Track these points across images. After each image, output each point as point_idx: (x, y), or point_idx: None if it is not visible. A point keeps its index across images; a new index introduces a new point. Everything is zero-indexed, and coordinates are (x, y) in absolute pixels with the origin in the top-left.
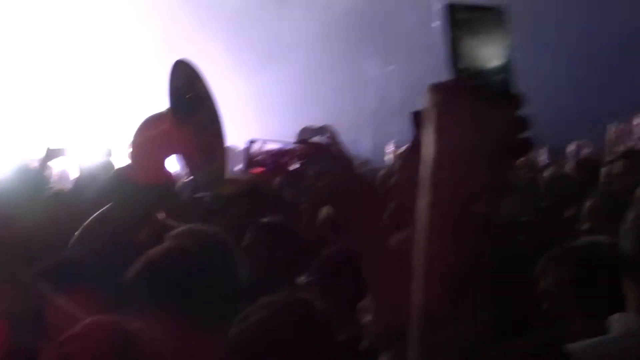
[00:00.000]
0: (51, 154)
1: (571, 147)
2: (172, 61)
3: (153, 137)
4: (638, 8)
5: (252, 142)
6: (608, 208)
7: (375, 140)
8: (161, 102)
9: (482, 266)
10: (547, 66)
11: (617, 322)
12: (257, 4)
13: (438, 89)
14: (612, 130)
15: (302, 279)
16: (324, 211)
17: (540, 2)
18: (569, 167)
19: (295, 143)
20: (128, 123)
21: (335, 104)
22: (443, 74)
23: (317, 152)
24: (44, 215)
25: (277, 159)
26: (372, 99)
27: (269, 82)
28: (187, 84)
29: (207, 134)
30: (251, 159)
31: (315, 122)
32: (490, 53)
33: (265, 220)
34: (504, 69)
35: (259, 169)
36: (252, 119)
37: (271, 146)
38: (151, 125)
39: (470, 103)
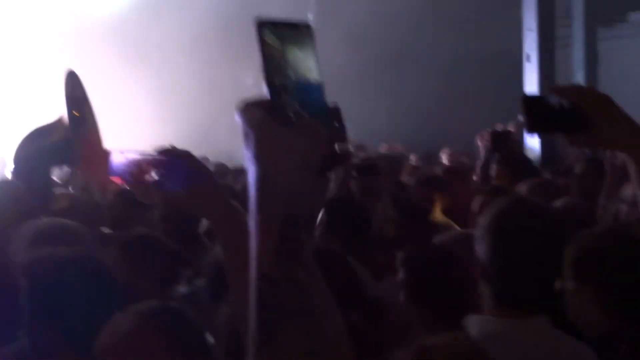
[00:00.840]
0: None
1: (442, 153)
2: (52, 69)
3: (42, 148)
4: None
5: (111, 152)
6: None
7: None
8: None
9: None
10: (420, 81)
11: (473, 325)
12: (133, 10)
13: (251, 108)
14: (481, 137)
15: (181, 289)
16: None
17: (416, 25)
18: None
19: (155, 153)
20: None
21: (212, 111)
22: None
23: (174, 161)
24: None
25: (136, 168)
26: None
27: (143, 89)
28: (75, 93)
29: (91, 142)
30: (110, 169)
31: (192, 128)
32: (301, 68)
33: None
34: (316, 84)
35: (117, 179)
36: (125, 128)
37: (131, 156)
38: (40, 135)
39: (284, 121)
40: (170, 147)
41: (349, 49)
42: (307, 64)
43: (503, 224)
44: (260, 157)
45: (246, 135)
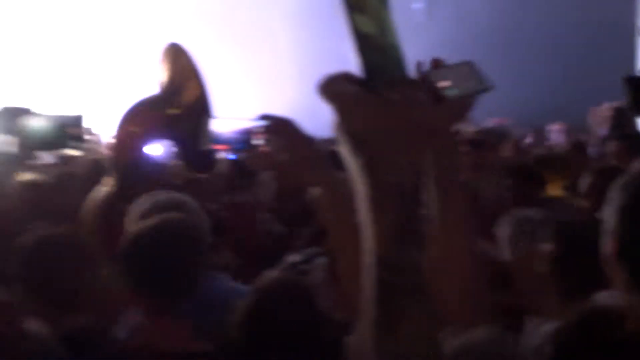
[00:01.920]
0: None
1: (551, 127)
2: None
3: (143, 122)
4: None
5: (216, 119)
6: (605, 185)
7: None
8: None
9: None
10: (529, 56)
11: (605, 300)
12: None
13: (338, 83)
14: (595, 112)
15: (293, 257)
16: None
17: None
18: (559, 148)
19: (259, 119)
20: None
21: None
22: (418, 55)
23: (279, 128)
24: None
25: (243, 136)
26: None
27: (273, 56)
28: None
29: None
30: (217, 136)
31: (298, 100)
32: (391, 29)
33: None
34: (397, 46)
35: (224, 146)
36: (261, 91)
37: (235, 123)
38: (141, 110)
39: (378, 92)
40: (270, 114)
41: (458, 28)
42: (392, 25)
43: None
44: (361, 136)
45: (337, 113)
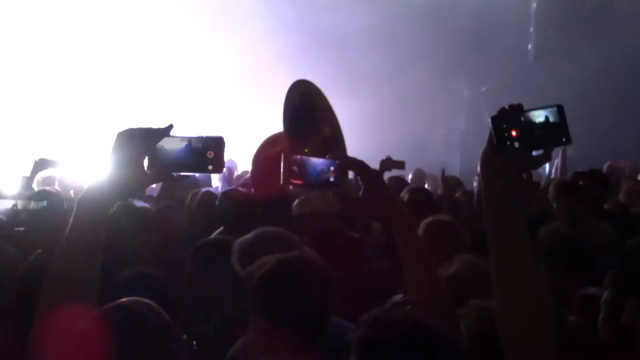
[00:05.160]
0: (40, 166)
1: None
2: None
3: (273, 156)
4: None
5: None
6: None
7: (464, 161)
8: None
9: None
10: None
11: None
12: (357, 28)
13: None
14: None
15: (396, 297)
16: None
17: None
18: None
19: (330, 157)
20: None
21: (426, 124)
22: (536, 96)
23: (351, 167)
24: None
25: (315, 173)
26: (462, 120)
27: (360, 103)
28: (307, 103)
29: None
30: (288, 173)
31: (406, 142)
32: None
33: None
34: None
35: (297, 182)
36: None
37: (311, 161)
38: (272, 144)
39: (503, 151)
40: (341, 154)
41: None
42: None
43: None
44: (485, 188)
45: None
